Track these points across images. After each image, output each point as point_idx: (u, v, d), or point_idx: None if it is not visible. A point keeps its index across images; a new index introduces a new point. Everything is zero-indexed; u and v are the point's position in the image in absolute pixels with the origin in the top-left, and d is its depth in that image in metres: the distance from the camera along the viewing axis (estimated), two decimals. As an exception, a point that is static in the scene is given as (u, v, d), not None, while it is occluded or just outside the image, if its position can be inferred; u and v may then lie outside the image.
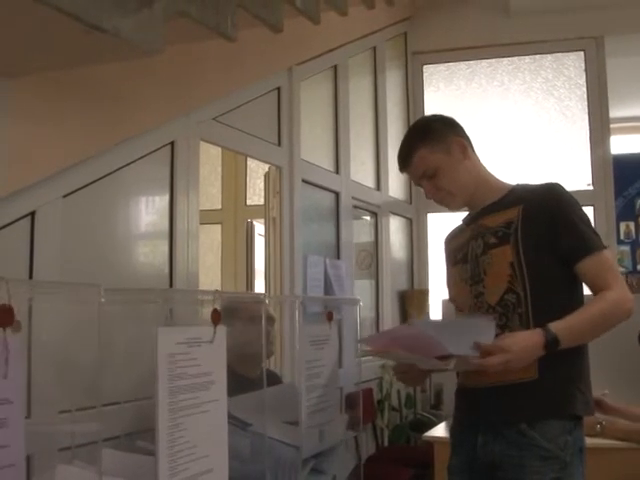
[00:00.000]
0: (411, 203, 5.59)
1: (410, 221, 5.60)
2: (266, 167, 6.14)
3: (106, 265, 2.38)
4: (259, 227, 6.20)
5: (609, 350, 3.01)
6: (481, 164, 2.20)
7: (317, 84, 4.09)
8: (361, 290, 4.80)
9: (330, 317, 1.67)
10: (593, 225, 2.10)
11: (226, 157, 5.91)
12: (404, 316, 5.33)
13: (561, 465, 1.95)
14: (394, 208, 5.26)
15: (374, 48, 4.99)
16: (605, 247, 2.03)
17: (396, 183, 5.30)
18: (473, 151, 2.19)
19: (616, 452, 2.85)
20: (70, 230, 2.20)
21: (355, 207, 4.58)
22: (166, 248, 2.65)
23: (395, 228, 5.32)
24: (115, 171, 2.39)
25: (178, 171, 2.70)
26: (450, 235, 2.35)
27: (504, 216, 2.07)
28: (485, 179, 2.19)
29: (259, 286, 5.98)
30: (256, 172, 6.27)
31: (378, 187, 4.98)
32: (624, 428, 3.06)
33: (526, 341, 1.89)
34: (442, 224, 5.57)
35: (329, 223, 4.25)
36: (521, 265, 2.00)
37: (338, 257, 4.27)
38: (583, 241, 2.00)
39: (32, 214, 2.07)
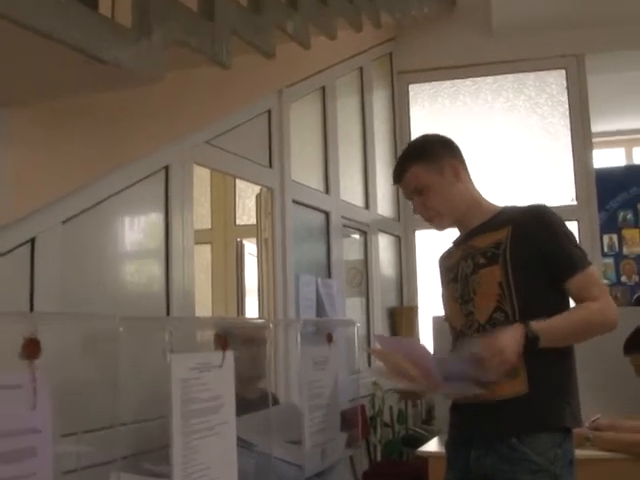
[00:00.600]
0: (399, 221, 5.66)
1: (399, 239, 5.66)
2: (256, 187, 6.24)
3: (104, 287, 2.43)
4: (249, 246, 6.24)
5: (597, 362, 3.08)
6: (473, 186, 2.25)
7: (306, 105, 4.15)
8: (352, 308, 4.85)
9: (330, 339, 1.71)
10: (578, 241, 2.18)
11: (215, 178, 5.96)
12: (394, 333, 5.37)
13: (551, 478, 2.00)
14: (383, 226, 5.32)
15: (361, 68, 5.07)
16: (590, 263, 2.09)
17: (384, 201, 5.36)
18: (467, 174, 2.25)
19: (604, 463, 2.90)
20: (70, 255, 2.24)
21: (345, 226, 4.63)
22: (163, 267, 2.69)
23: (384, 246, 5.38)
24: (111, 196, 2.43)
25: (173, 194, 2.74)
26: (443, 255, 2.39)
27: (493, 237, 2.12)
28: (476, 201, 2.24)
29: (250, 304, 6.02)
30: (245, 192, 6.32)
31: (367, 206, 5.04)
32: (612, 439, 3.12)
33: (508, 332, 1.95)
34: (430, 241, 5.65)
35: (320, 242, 4.30)
36: (509, 284, 2.04)
37: (329, 276, 4.32)
38: (570, 260, 2.06)
39: (32, 240, 2.10)
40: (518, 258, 2.05)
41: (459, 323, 2.19)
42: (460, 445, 2.16)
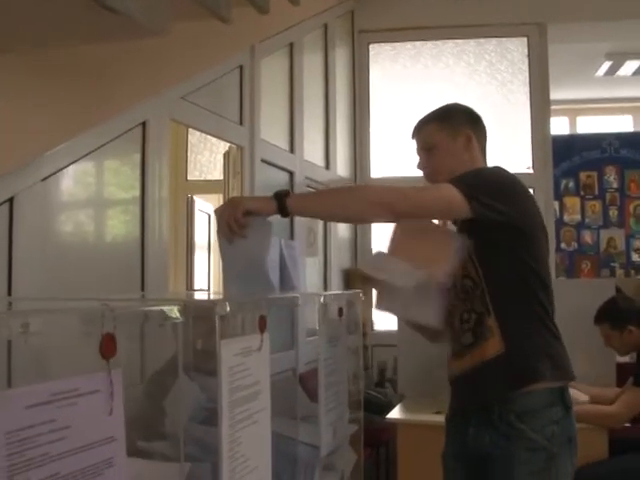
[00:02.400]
0: (355, 181, 5.60)
1: (354, 200, 5.61)
2: (208, 143, 6.08)
3: (84, 241, 2.35)
4: (199, 202, 6.11)
5: (569, 332, 3.13)
6: (478, 157, 2.22)
7: (275, 62, 4.03)
8: (308, 268, 4.79)
9: (341, 313, 1.65)
10: (494, 191, 2.01)
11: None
12: (348, 295, 5.36)
13: (548, 455, 2.00)
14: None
15: (325, 25, 4.94)
16: (465, 194, 1.93)
17: (342, 162, 5.30)
18: (480, 149, 2.24)
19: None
20: (49, 213, 2.11)
21: (307, 186, 4.55)
22: (138, 219, 2.61)
23: (340, 207, 5.31)
24: (91, 152, 2.30)
25: (149, 149, 2.62)
26: None
27: None
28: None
29: (199, 258, 5.93)
30: (197, 147, 6.16)
31: (327, 166, 4.97)
32: (579, 411, 3.19)
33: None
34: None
35: (283, 203, 4.21)
36: (470, 250, 2.04)
37: (292, 237, 4.25)
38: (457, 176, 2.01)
39: (11, 200, 1.96)
40: (468, 221, 2.01)
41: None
42: (458, 418, 2.17)
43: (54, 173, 2.12)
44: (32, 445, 0.64)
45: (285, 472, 1.49)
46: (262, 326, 1.19)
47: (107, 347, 0.73)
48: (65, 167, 2.17)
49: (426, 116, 2.28)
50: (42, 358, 0.80)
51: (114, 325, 0.74)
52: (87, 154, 2.27)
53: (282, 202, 1.88)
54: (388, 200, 1.90)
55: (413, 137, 2.29)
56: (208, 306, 1.06)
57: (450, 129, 2.20)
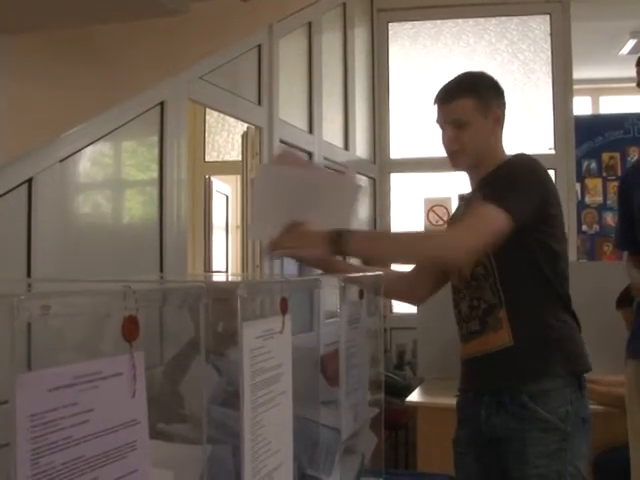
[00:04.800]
0: (375, 163, 5.56)
1: (374, 180, 5.57)
2: (226, 123, 6.05)
3: (103, 220, 2.34)
4: (217, 184, 6.11)
5: (589, 317, 3.09)
6: (502, 142, 2.23)
7: (293, 42, 3.98)
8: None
9: (361, 295, 1.64)
10: (534, 195, 2.02)
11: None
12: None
13: (562, 436, 2.00)
14: (360, 168, 5.21)
15: (344, 4, 4.89)
16: (510, 213, 1.92)
17: (361, 143, 5.25)
18: (501, 128, 2.23)
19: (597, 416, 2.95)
20: (67, 194, 2.10)
21: (326, 167, 4.52)
22: (157, 199, 2.59)
23: (359, 188, 5.29)
24: (110, 133, 2.28)
25: (168, 130, 2.60)
26: (457, 206, 2.46)
27: (482, 190, 2.10)
28: (494, 155, 2.20)
29: (217, 239, 5.94)
30: (215, 128, 6.14)
31: (346, 147, 4.93)
32: (598, 390, 3.16)
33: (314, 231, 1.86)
34: (404, 184, 5.59)
35: (301, 184, 4.19)
36: None
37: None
38: (493, 192, 1.97)
39: (29, 181, 1.95)
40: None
41: (454, 280, 2.22)
42: (470, 402, 2.18)
43: (72, 154, 2.10)
44: (55, 428, 0.63)
45: (305, 454, 1.48)
46: (284, 308, 1.17)
47: (129, 329, 0.72)
48: (83, 148, 2.16)
49: (456, 85, 2.19)
50: (63, 341, 0.79)
51: (137, 308, 0.73)
52: (105, 135, 2.25)
53: (339, 244, 1.84)
54: (468, 243, 1.90)
55: (439, 105, 2.19)
56: (229, 288, 1.04)
57: (483, 107, 2.14)
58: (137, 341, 0.73)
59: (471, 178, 2.26)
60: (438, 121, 2.20)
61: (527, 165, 2.10)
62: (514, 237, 1.96)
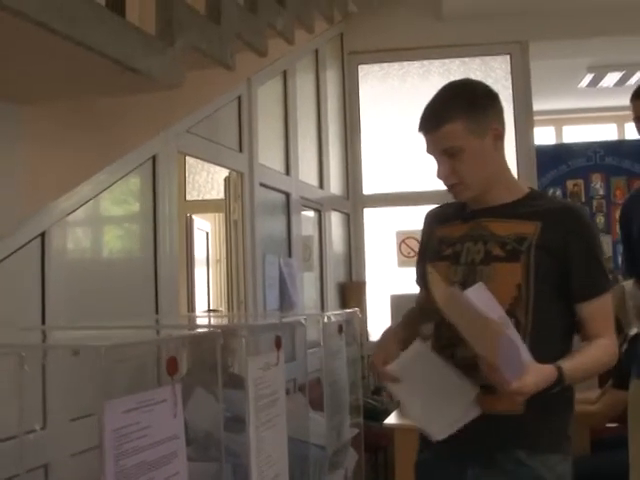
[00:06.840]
0: (348, 199, 5.83)
1: (347, 216, 5.83)
2: (207, 164, 6.29)
3: (107, 266, 2.60)
4: (198, 221, 6.35)
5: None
6: (505, 158, 1.93)
7: (270, 89, 4.25)
8: (305, 282, 5.01)
9: (340, 330, 1.88)
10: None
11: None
12: (345, 307, 5.57)
13: None
14: (334, 204, 5.48)
15: (316, 50, 5.18)
16: (610, 286, 1.87)
17: (335, 180, 5.52)
18: (503, 141, 1.91)
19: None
20: (76, 246, 2.34)
21: (303, 205, 4.77)
22: (151, 245, 2.85)
23: (334, 223, 5.55)
24: (109, 187, 2.52)
25: (160, 181, 2.85)
26: (440, 217, 2.07)
27: (516, 228, 1.84)
28: (504, 176, 1.93)
29: (199, 274, 6.18)
30: (195, 167, 6.38)
31: (321, 185, 5.19)
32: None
33: (543, 374, 1.71)
34: (377, 218, 5.86)
35: (281, 222, 4.43)
36: (529, 291, 1.80)
37: (290, 254, 4.47)
38: (593, 281, 1.84)
39: (42, 234, 2.19)
40: (544, 264, 1.80)
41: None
42: (449, 459, 1.89)
43: (77, 208, 2.34)
44: (126, 440, 0.87)
45: (296, 466, 1.71)
46: (278, 344, 1.40)
47: (171, 367, 0.96)
48: (86, 202, 2.40)
49: (441, 106, 1.86)
50: (119, 377, 1.02)
51: (176, 349, 0.97)
52: (105, 189, 2.49)
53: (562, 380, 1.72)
54: (616, 351, 1.86)
55: (425, 132, 1.87)
56: (236, 330, 1.28)
57: (477, 126, 1.80)
58: (177, 375, 0.97)
59: (476, 203, 1.94)
60: (428, 151, 1.88)
61: (598, 235, 1.92)
62: (557, 303, 1.83)
